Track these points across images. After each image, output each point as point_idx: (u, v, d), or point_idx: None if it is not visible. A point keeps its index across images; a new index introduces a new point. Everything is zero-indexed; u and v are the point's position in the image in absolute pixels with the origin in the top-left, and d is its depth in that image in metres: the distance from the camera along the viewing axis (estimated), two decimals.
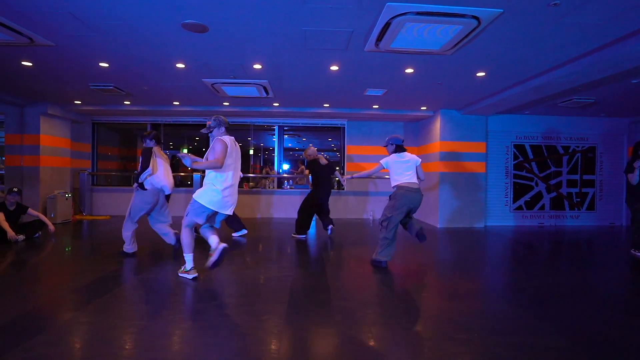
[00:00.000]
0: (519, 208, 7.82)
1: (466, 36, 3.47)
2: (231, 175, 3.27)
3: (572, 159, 7.91)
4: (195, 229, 3.64)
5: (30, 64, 4.57)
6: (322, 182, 5.62)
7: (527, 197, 7.82)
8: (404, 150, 4.12)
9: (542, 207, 7.86)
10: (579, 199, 7.93)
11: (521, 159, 7.80)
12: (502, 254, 5.19)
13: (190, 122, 8.58)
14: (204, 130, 3.43)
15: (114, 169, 10.05)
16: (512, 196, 7.79)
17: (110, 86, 5.58)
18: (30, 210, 5.35)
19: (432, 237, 6.33)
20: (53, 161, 7.19)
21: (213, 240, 3.25)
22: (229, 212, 3.31)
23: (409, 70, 4.71)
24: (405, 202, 3.95)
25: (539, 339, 2.30)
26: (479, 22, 3.18)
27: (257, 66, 4.62)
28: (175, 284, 3.33)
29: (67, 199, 7.09)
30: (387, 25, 3.26)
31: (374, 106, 7.16)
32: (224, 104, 7.06)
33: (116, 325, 2.41)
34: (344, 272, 3.92)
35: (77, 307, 2.75)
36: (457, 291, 3.29)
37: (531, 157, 7.82)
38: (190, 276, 3.42)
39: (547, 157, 7.85)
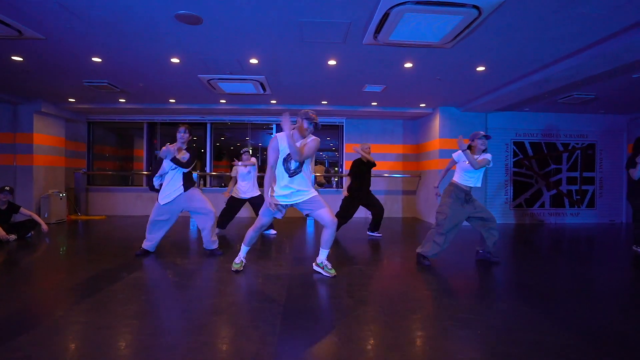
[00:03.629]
0: (519, 206, 7.75)
1: (466, 27, 3.40)
2: None
3: (571, 156, 7.85)
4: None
5: (20, 59, 4.47)
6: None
7: (527, 195, 7.76)
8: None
9: (542, 205, 7.80)
10: (578, 197, 7.87)
11: (521, 156, 7.74)
12: (504, 251, 5.11)
13: (187, 121, 8.47)
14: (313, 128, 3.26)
15: (111, 169, 9.93)
16: (512, 194, 7.73)
17: (105, 82, 5.48)
18: (22, 210, 5.24)
19: None
20: (47, 160, 7.08)
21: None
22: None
23: (408, 65, 4.64)
24: None
25: (546, 335, 2.23)
26: (480, 12, 3.10)
27: (254, 61, 4.54)
28: (171, 282, 3.24)
29: (61, 198, 6.98)
30: (386, 15, 3.18)
31: (373, 103, 7.09)
32: (221, 101, 6.98)
33: (108, 325, 2.32)
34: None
35: (68, 306, 2.66)
36: (458, 288, 3.21)
37: (531, 154, 7.76)
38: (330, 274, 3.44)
39: (547, 155, 7.79)
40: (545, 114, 7.70)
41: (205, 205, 4.12)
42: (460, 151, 3.80)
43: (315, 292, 3.04)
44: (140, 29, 3.59)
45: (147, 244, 4.21)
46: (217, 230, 5.69)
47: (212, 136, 8.80)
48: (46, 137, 7.05)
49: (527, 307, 2.69)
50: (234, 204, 5.68)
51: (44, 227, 5.23)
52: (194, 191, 4.13)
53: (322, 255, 3.46)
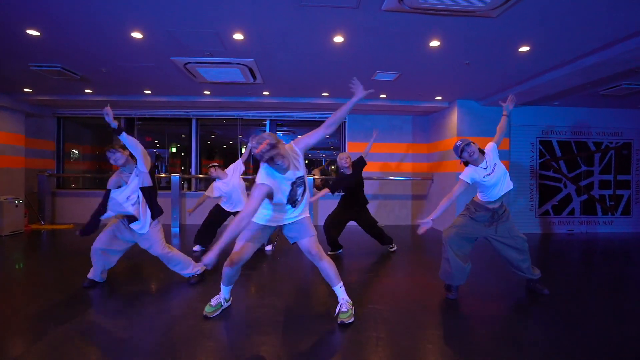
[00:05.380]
0: (546, 213, 6.83)
1: None
2: None
3: (604, 157, 6.94)
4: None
5: None
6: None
7: (554, 201, 6.84)
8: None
9: (572, 212, 6.88)
10: (612, 203, 6.97)
11: (548, 157, 6.81)
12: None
13: (170, 116, 7.47)
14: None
15: (86, 170, 8.88)
16: (537, 200, 6.80)
17: (57, 67, 4.46)
18: None
19: None
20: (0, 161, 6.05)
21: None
22: None
23: (435, 44, 3.67)
24: None
25: None
26: None
27: (238, 36, 3.55)
28: (123, 338, 2.27)
29: (17, 206, 5.96)
30: None
31: (382, 96, 6.13)
32: (205, 92, 5.98)
33: None
34: None
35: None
36: (479, 310, 2.27)
37: (559, 154, 6.83)
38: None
39: (577, 155, 6.87)
40: (575, 109, 6.77)
41: (157, 249, 3.12)
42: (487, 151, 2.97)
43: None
44: None
45: (93, 273, 3.24)
46: (197, 247, 4.72)
47: (199, 133, 7.81)
48: None
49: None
50: (219, 215, 4.69)
51: None
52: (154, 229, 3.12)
53: (340, 293, 2.56)
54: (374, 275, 3.86)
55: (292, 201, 2.38)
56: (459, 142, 2.95)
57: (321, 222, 7.15)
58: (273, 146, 2.11)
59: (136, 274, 3.71)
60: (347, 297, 2.57)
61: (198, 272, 3.35)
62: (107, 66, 4.52)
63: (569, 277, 3.75)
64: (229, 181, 4.49)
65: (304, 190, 2.45)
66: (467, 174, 2.86)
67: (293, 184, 2.33)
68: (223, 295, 2.67)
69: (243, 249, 2.46)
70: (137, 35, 3.51)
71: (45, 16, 3.13)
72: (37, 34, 3.46)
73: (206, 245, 4.66)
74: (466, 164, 2.96)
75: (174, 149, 10.16)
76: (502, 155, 6.28)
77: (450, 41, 3.61)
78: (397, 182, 7.54)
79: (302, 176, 2.38)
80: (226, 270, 2.52)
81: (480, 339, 2.36)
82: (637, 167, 6.99)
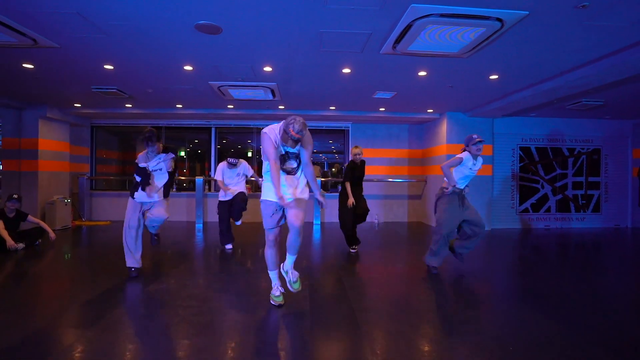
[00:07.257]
0: (525, 211, 7.78)
1: (487, 39, 3.39)
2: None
3: (577, 161, 7.89)
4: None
5: (31, 66, 4.40)
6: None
7: (533, 200, 7.78)
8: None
9: (548, 210, 7.83)
10: (584, 201, 7.91)
11: (527, 161, 7.77)
12: (512, 258, 5.11)
13: (193, 125, 8.44)
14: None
15: (113, 173, 9.83)
16: (518, 199, 7.75)
17: (113, 89, 5.42)
18: (30, 217, 5.17)
19: None
20: (52, 166, 7.00)
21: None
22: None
23: (422, 73, 4.63)
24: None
25: (557, 345, 2.22)
26: (502, 25, 3.10)
27: (268, 68, 4.50)
28: (185, 296, 3.19)
29: (66, 204, 6.90)
30: (408, 27, 3.16)
31: (381, 109, 7.08)
32: (228, 106, 6.93)
33: (125, 345, 2.28)
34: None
35: (82, 325, 2.57)
36: (469, 296, 3.20)
37: (537, 159, 7.79)
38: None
39: (553, 160, 7.82)
40: (551, 119, 7.73)
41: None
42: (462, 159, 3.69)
43: None
44: (158, 38, 3.55)
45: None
46: (229, 246, 5.05)
47: (217, 140, 8.75)
48: (51, 142, 6.96)
49: (542, 317, 2.68)
50: (224, 209, 5.00)
51: (52, 235, 5.16)
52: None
53: (289, 262, 2.90)
54: (379, 261, 4.78)
55: (284, 166, 2.77)
56: (476, 135, 3.65)
57: (328, 219, 8.10)
58: (300, 131, 2.64)
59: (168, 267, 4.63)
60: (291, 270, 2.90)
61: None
62: (154, 88, 5.47)
63: (547, 265, 4.59)
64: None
65: (298, 166, 2.83)
66: (464, 155, 3.68)
67: (287, 153, 2.78)
68: (277, 282, 2.95)
69: (269, 231, 2.85)
70: (188, 68, 4.47)
71: (121, 55, 4.07)
72: (111, 68, 4.42)
73: (232, 239, 5.14)
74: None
75: (182, 153, 11.06)
76: (486, 160, 7.26)
77: (435, 72, 4.56)
78: (395, 184, 8.48)
79: (296, 153, 2.80)
80: (268, 254, 2.90)
81: (458, 300, 3.30)
82: (606, 170, 7.94)
